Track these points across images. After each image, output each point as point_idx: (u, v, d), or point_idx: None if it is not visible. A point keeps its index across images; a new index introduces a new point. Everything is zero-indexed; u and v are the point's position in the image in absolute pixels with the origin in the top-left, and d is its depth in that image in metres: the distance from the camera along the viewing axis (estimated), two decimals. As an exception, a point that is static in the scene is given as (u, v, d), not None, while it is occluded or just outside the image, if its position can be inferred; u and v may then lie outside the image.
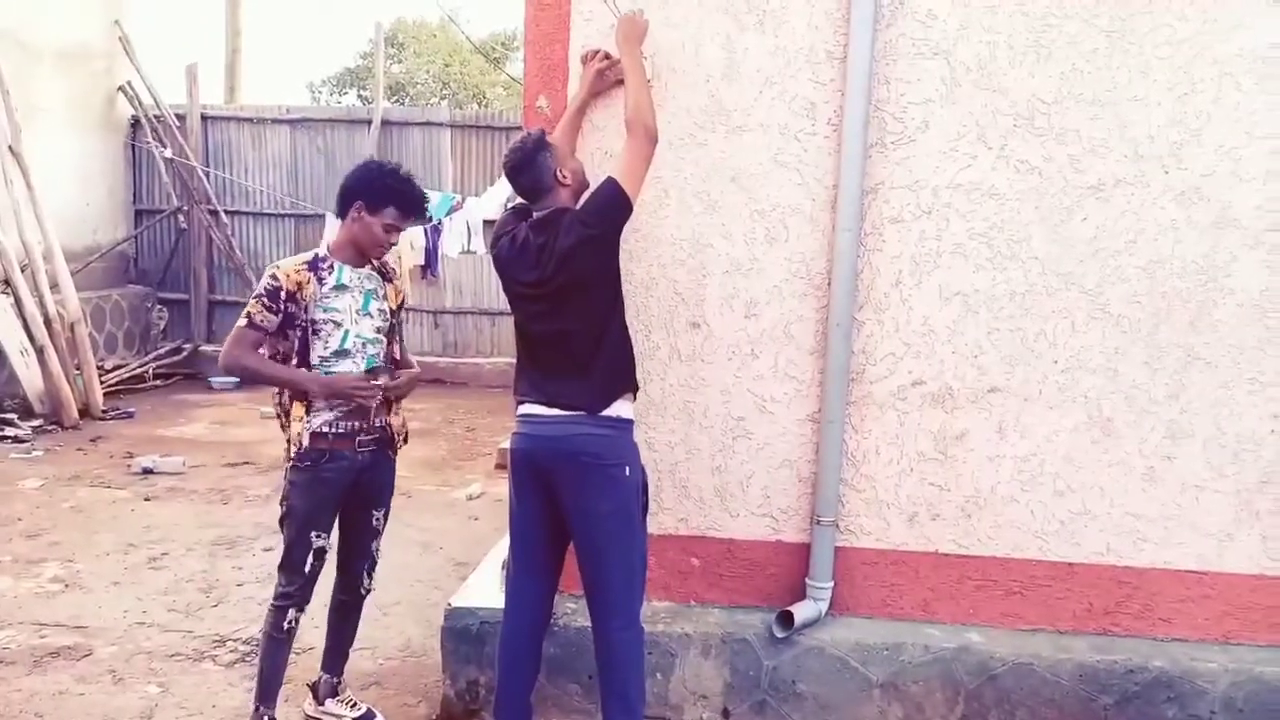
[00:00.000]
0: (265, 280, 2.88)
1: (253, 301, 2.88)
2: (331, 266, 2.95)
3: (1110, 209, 3.01)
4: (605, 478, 2.70)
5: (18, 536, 5.05)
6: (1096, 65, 2.96)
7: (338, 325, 2.93)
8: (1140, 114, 2.97)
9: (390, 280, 3.10)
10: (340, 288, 2.94)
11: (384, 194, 2.90)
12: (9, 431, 7.21)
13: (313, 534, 2.96)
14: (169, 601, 4.27)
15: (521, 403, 2.83)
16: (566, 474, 2.71)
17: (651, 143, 2.74)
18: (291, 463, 2.96)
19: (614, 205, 2.67)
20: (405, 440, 3.17)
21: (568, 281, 2.67)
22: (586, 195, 2.77)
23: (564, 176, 2.75)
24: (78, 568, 4.64)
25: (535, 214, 2.79)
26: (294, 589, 2.98)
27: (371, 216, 2.90)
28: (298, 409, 2.91)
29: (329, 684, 3.27)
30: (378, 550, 3.20)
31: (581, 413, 2.71)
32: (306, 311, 2.90)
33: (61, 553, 4.83)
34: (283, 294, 2.87)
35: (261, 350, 2.92)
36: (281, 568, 3.00)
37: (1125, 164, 2.99)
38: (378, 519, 3.16)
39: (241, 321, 2.89)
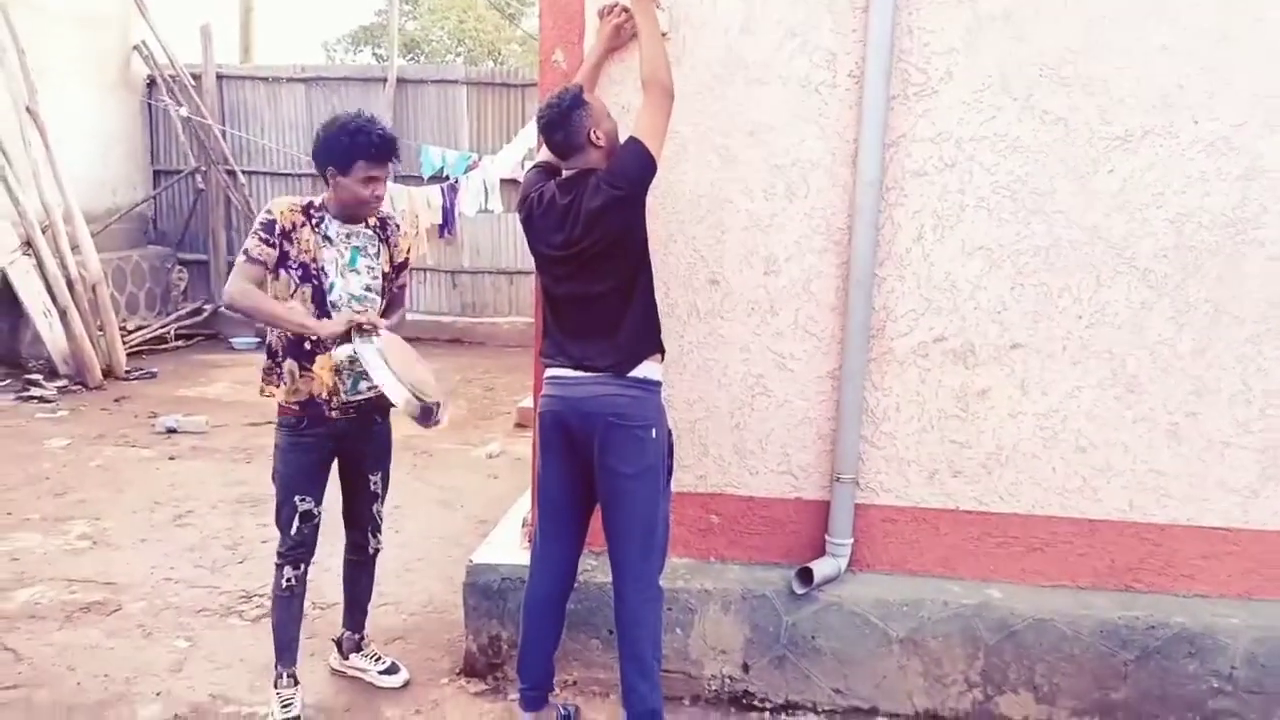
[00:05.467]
0: (261, 216, 2.87)
1: (249, 237, 2.86)
2: (323, 219, 2.92)
3: (1138, 161, 2.95)
4: (631, 439, 2.69)
5: (46, 495, 5.14)
6: (1124, 12, 2.88)
7: (326, 275, 2.91)
8: (1170, 63, 2.89)
9: (388, 240, 3.05)
10: (326, 240, 2.91)
11: (349, 151, 2.80)
12: (35, 392, 7.31)
13: (296, 498, 2.96)
14: (195, 558, 4.34)
15: (548, 365, 2.83)
16: (593, 435, 2.71)
17: (669, 99, 2.70)
18: (276, 424, 2.97)
19: (639, 165, 2.63)
20: None
21: (594, 244, 2.65)
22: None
23: (597, 137, 2.69)
24: (105, 525, 4.71)
25: (564, 173, 2.76)
26: (285, 549, 3.00)
27: (345, 177, 2.83)
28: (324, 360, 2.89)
29: (352, 640, 3.33)
30: (379, 513, 3.22)
31: (608, 374, 2.70)
32: (310, 255, 2.87)
33: (89, 510, 4.91)
34: (278, 227, 2.84)
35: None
36: (276, 527, 3.03)
37: (1154, 114, 2.92)
38: (375, 483, 3.16)
39: (240, 257, 2.86)
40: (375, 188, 2.87)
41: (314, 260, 2.88)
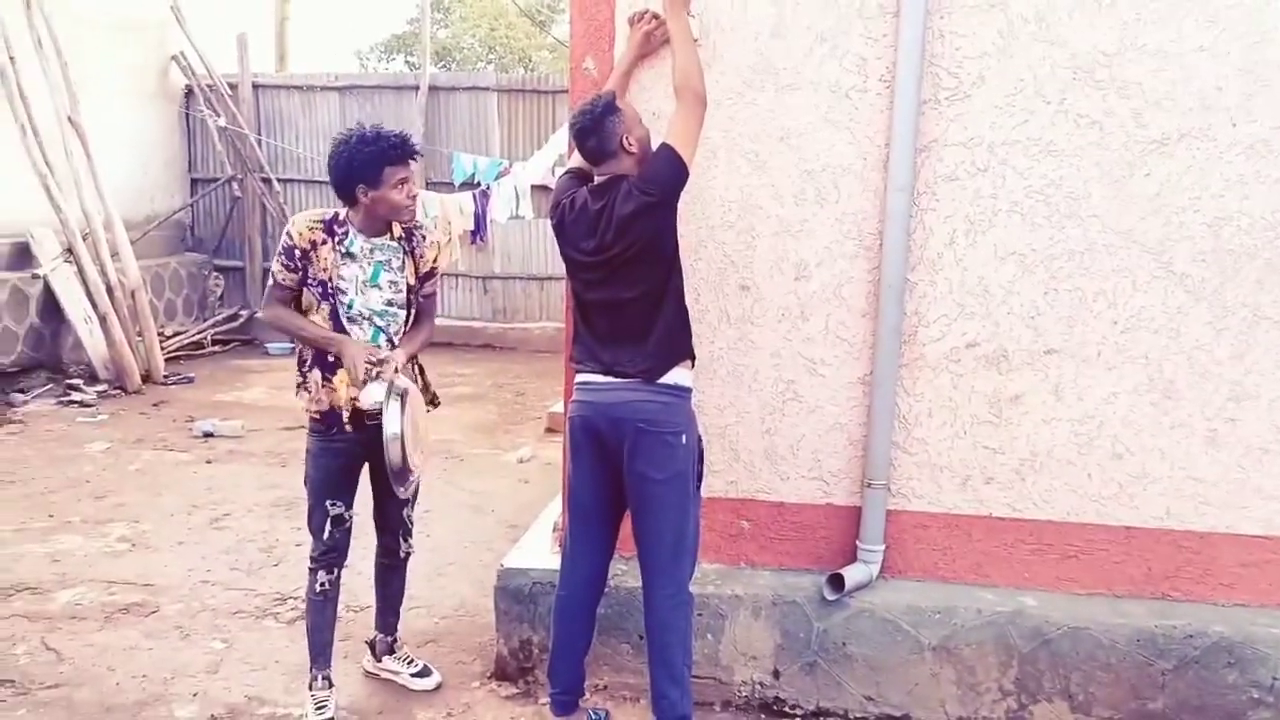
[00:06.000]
0: (282, 238, 2.88)
1: (275, 260, 2.90)
2: (346, 233, 2.90)
3: (1174, 164, 2.91)
4: (661, 445, 2.70)
5: (86, 498, 5.23)
6: (1160, 14, 2.85)
7: (344, 293, 2.89)
8: (1207, 65, 2.86)
9: (413, 252, 3.00)
10: (348, 255, 2.89)
11: (375, 161, 2.79)
12: (76, 396, 7.44)
13: (328, 502, 2.98)
14: (231, 561, 4.39)
15: (579, 370, 2.84)
16: (623, 441, 2.72)
17: (702, 106, 2.71)
18: (308, 429, 2.99)
19: (672, 171, 2.65)
20: (434, 404, 3.16)
21: (626, 249, 2.66)
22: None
23: (630, 144, 2.71)
24: (143, 528, 4.79)
25: (596, 179, 2.78)
26: (318, 554, 3.01)
27: (378, 189, 2.81)
28: (342, 375, 2.88)
29: (385, 642, 3.35)
30: (410, 518, 3.23)
31: (638, 380, 2.71)
32: (327, 274, 2.86)
33: (128, 513, 4.99)
34: (297, 252, 2.85)
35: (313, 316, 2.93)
36: (309, 531, 3.05)
37: (1190, 117, 2.89)
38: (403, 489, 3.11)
39: (270, 281, 2.94)
40: (409, 189, 2.86)
41: (330, 279, 2.87)
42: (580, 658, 2.99)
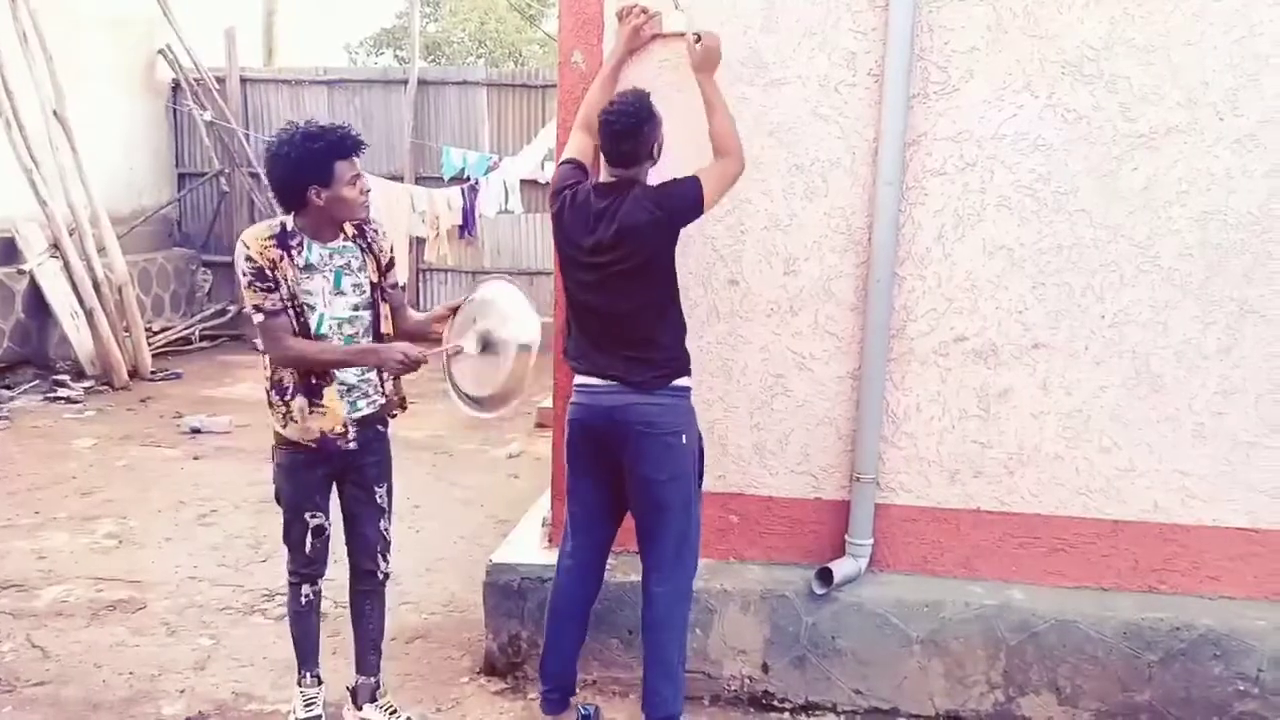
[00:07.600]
0: (244, 265, 2.63)
1: (249, 293, 2.65)
2: (301, 244, 2.70)
3: (1162, 158, 2.92)
4: (663, 446, 2.70)
5: (73, 494, 5.20)
6: (1149, 9, 2.86)
7: (312, 308, 2.71)
8: (1195, 59, 2.86)
9: (371, 247, 2.82)
10: (309, 268, 2.70)
11: (324, 156, 2.61)
12: (62, 392, 7.40)
13: (306, 515, 2.84)
14: (219, 557, 4.38)
15: (575, 370, 2.83)
16: (624, 443, 2.72)
17: (741, 167, 2.74)
18: (274, 445, 2.85)
19: (689, 203, 2.66)
20: (403, 407, 2.98)
21: (623, 258, 2.64)
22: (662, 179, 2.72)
23: (656, 153, 2.70)
24: (131, 524, 4.77)
25: (604, 177, 2.76)
26: (299, 567, 2.90)
27: (330, 188, 2.63)
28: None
29: (368, 686, 3.06)
30: (389, 530, 3.00)
31: (637, 389, 2.70)
32: (290, 289, 2.67)
33: (115, 510, 4.97)
34: (266, 271, 2.64)
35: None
36: (286, 546, 2.92)
37: (1178, 111, 2.89)
38: (381, 495, 2.95)
39: (258, 317, 2.66)
40: (361, 184, 2.71)
41: (296, 296, 2.69)
42: (573, 655, 2.98)
